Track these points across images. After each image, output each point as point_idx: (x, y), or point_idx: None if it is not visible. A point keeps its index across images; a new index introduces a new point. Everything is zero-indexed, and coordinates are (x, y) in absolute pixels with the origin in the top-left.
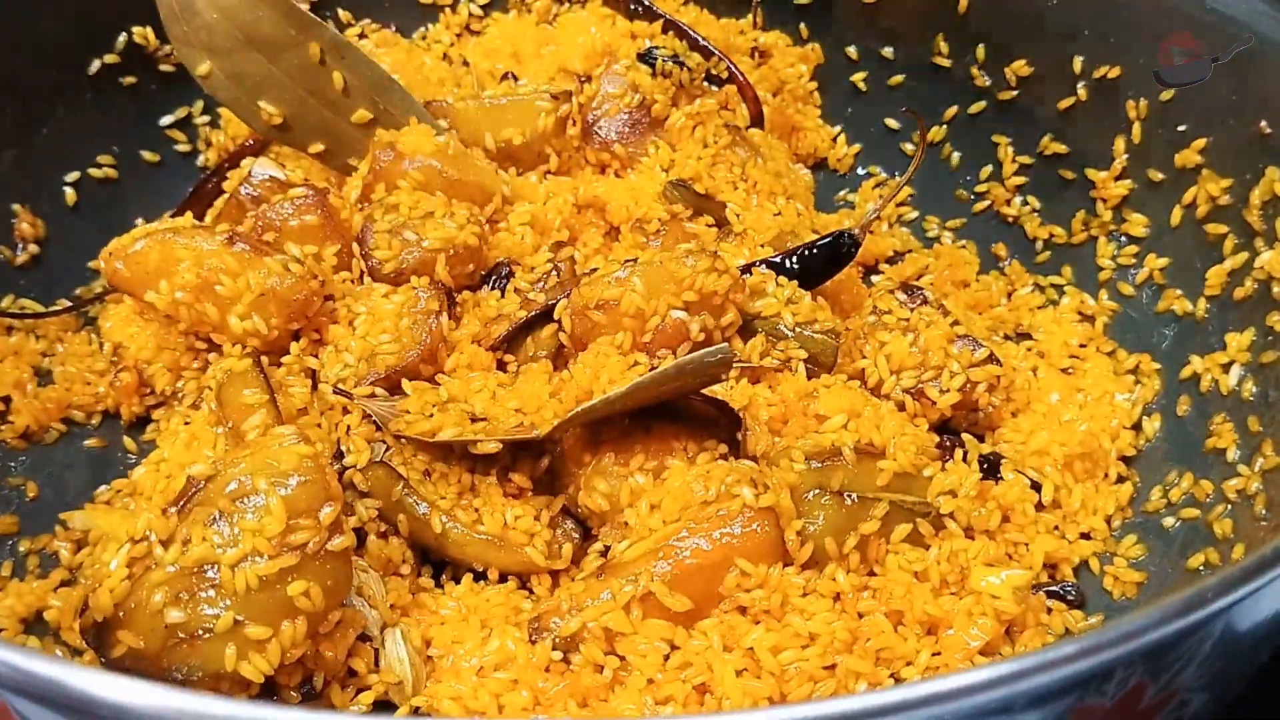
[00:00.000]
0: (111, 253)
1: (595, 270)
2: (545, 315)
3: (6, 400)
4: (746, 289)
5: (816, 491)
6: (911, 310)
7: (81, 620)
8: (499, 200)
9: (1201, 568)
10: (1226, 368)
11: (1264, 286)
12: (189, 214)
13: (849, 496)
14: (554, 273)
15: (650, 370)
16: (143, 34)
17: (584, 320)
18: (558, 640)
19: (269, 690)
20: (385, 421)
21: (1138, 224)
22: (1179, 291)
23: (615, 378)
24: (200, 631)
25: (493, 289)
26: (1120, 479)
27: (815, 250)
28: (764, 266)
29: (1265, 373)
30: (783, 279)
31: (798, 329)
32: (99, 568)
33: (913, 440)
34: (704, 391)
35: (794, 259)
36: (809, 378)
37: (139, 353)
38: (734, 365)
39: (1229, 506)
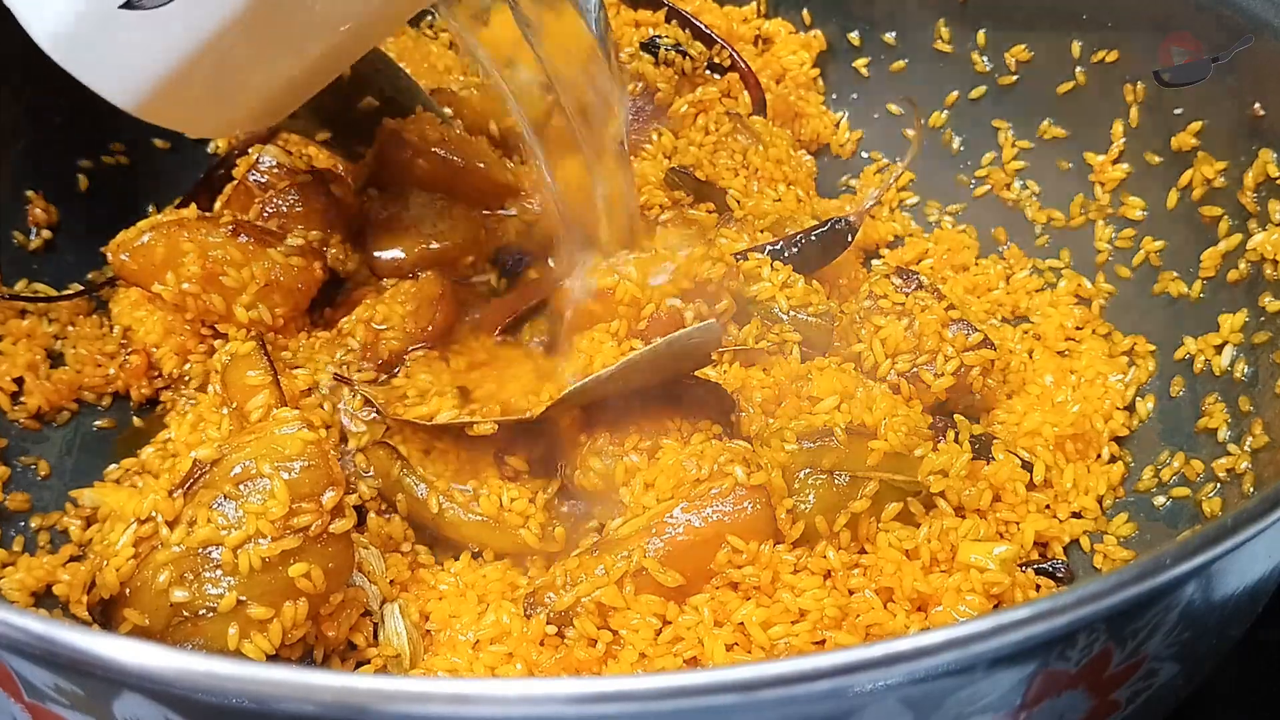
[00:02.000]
0: (119, 245)
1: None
2: (544, 302)
3: (20, 381)
4: (741, 275)
5: (808, 471)
6: (906, 295)
7: (89, 597)
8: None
9: None
10: (1219, 349)
11: (1256, 268)
12: (194, 205)
13: (840, 476)
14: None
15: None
16: None
17: (580, 308)
18: (552, 615)
19: None
20: (384, 406)
21: (1134, 207)
22: (1174, 274)
23: (609, 363)
24: (204, 611)
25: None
26: (1113, 459)
27: (813, 237)
28: (761, 253)
29: (1257, 353)
30: (778, 264)
31: (792, 312)
32: (107, 545)
33: (904, 421)
34: (698, 374)
35: (792, 245)
36: (803, 360)
37: (148, 336)
38: (723, 345)
39: (1218, 485)
